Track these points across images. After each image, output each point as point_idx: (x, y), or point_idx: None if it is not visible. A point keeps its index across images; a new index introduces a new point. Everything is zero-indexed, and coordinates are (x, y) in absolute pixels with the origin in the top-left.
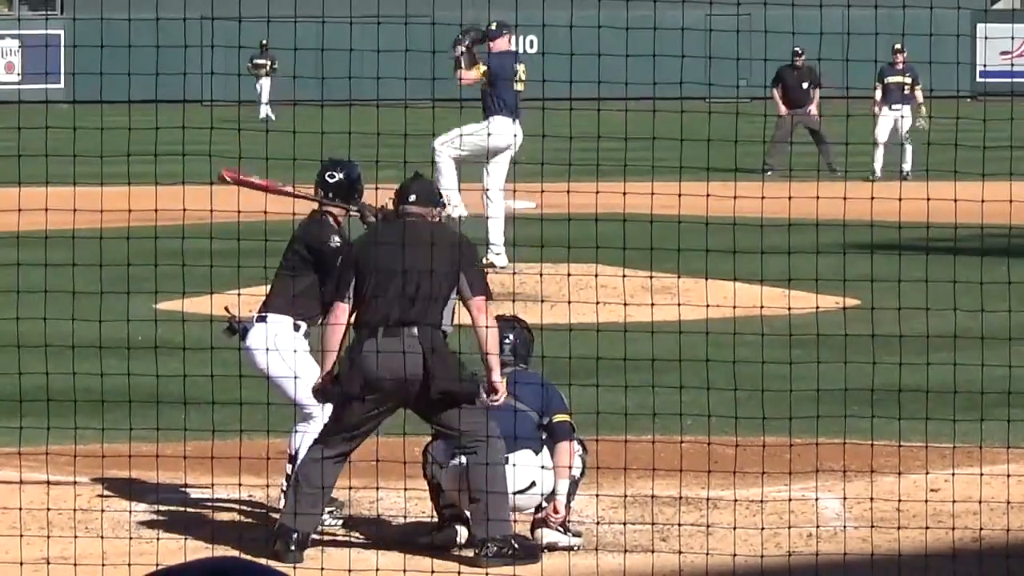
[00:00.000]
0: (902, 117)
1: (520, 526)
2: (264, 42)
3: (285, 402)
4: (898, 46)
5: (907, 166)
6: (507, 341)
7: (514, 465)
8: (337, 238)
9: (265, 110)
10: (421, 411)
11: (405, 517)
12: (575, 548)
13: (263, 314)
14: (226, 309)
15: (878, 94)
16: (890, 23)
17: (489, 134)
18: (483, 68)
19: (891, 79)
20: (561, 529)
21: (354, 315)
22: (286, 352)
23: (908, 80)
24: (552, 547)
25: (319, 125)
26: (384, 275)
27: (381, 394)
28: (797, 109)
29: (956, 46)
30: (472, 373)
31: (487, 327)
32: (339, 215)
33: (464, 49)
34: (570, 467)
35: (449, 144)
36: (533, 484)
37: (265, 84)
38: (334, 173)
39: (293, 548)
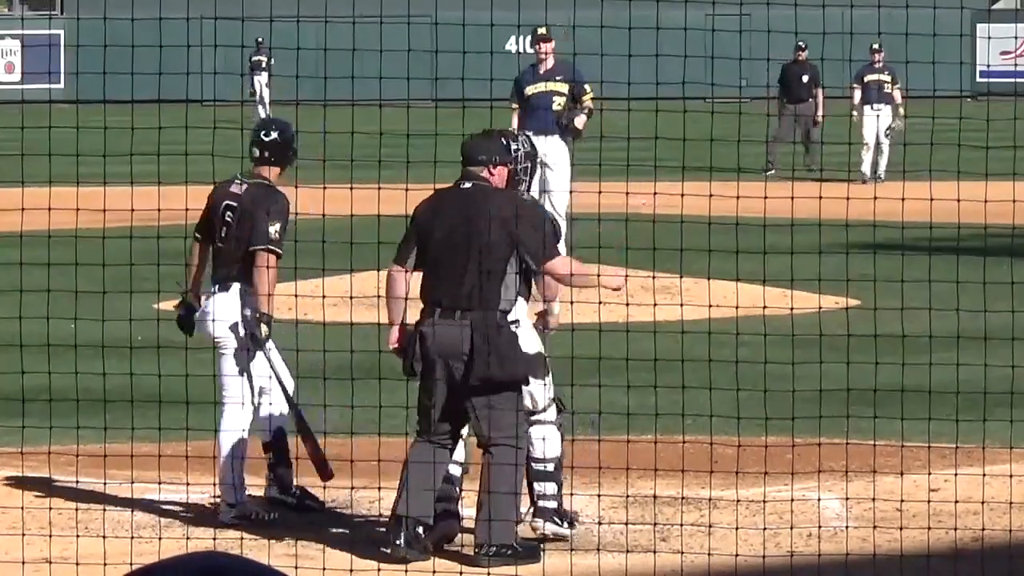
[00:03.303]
0: (878, 117)
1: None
2: (260, 39)
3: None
4: (876, 45)
5: (881, 170)
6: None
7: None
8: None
9: (262, 111)
10: (463, 393)
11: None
12: (570, 537)
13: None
14: (177, 283)
15: (856, 94)
16: (890, 23)
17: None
18: (588, 87)
19: (869, 77)
20: (557, 520)
21: (420, 286)
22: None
23: (887, 78)
24: (550, 537)
25: (320, 125)
26: (440, 250)
27: (435, 371)
28: (798, 104)
29: (960, 46)
30: (535, 354)
31: (574, 280)
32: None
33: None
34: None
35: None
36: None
37: (262, 82)
38: (270, 132)
39: (399, 542)
